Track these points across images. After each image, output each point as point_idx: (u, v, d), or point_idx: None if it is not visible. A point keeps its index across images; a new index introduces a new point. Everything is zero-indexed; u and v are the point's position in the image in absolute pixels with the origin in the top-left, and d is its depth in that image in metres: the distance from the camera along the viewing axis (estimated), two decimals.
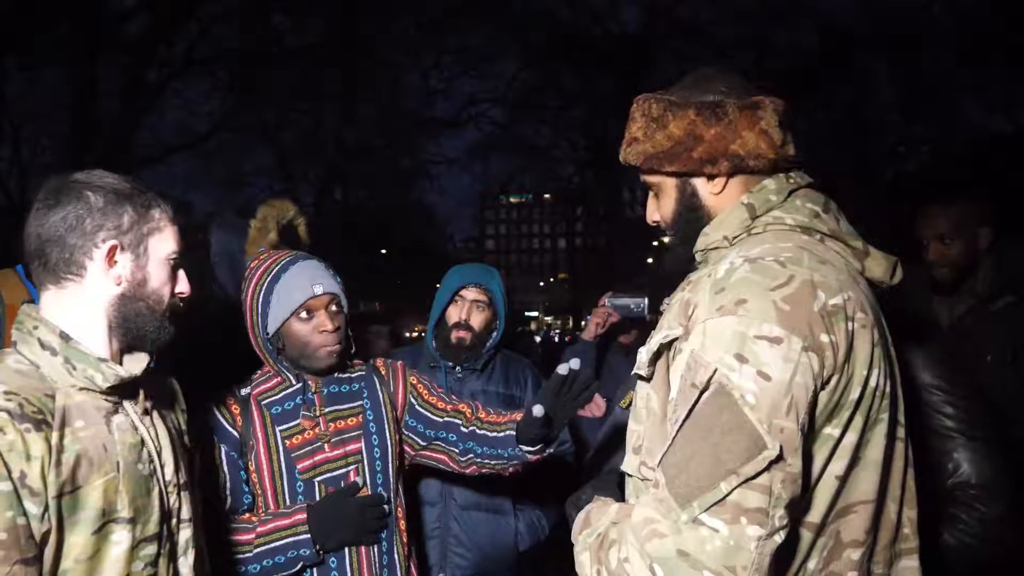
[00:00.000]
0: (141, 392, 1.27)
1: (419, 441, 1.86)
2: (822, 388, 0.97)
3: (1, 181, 13.10)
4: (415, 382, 1.90)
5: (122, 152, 12.73)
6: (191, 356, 1.48)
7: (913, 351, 1.44)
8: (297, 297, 1.69)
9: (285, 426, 1.72)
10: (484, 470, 1.81)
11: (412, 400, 1.87)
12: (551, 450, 1.74)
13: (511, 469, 1.79)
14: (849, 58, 14.94)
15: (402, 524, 1.80)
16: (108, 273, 1.21)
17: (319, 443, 1.72)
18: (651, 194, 1.26)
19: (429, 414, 1.86)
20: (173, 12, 13.06)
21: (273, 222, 2.46)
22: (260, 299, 1.72)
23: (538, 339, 14.64)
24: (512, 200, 66.46)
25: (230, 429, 1.71)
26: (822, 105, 15.24)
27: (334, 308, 1.73)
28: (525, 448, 1.71)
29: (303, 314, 1.70)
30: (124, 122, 13.07)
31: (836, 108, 15.36)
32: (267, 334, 1.73)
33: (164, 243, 1.26)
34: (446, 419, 1.85)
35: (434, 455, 1.86)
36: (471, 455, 1.80)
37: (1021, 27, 12.10)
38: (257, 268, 1.77)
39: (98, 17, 12.13)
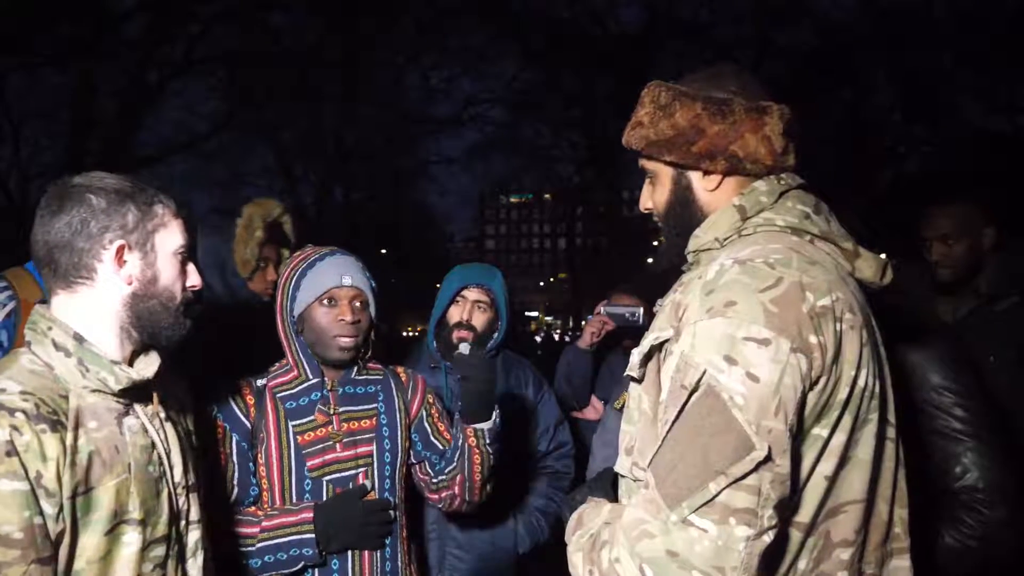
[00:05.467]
0: (153, 395, 1.28)
1: (412, 457, 1.88)
2: (810, 389, 0.97)
3: (1, 181, 13.08)
4: (432, 401, 1.92)
5: (122, 152, 12.72)
6: (194, 355, 1.47)
7: (922, 352, 1.44)
8: (324, 284, 1.74)
9: (298, 421, 1.72)
10: (443, 493, 1.83)
11: (423, 414, 1.89)
12: (489, 425, 1.76)
13: (458, 477, 1.81)
14: (849, 58, 14.94)
15: (404, 531, 1.80)
16: (118, 274, 1.21)
17: (331, 442, 1.72)
18: (647, 180, 1.27)
19: (430, 434, 1.88)
20: (173, 12, 13.04)
21: (259, 220, 2.44)
22: (292, 282, 1.77)
23: (539, 339, 14.60)
24: (512, 200, 66.51)
25: (243, 419, 1.71)
26: (822, 105, 15.23)
27: (358, 304, 1.77)
28: (467, 426, 1.75)
29: (326, 301, 1.74)
30: (124, 122, 13.07)
31: (836, 108, 15.35)
32: (292, 317, 1.77)
33: (171, 238, 1.26)
34: (441, 445, 1.87)
35: (419, 475, 1.88)
36: (441, 477, 1.83)
37: (1021, 27, 12.10)
38: (298, 256, 1.83)
39: (98, 17, 12.11)
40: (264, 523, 1.63)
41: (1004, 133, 14.17)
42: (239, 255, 2.44)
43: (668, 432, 0.97)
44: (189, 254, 1.30)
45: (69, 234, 1.18)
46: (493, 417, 1.76)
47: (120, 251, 1.20)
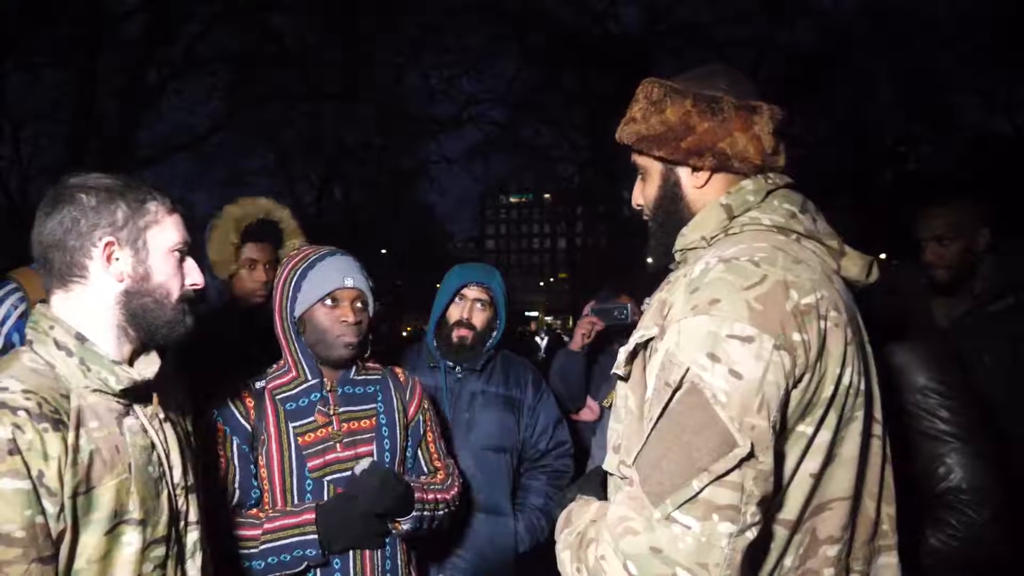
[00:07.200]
0: (153, 396, 1.28)
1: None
2: (794, 386, 0.97)
3: (1, 181, 13.09)
4: (427, 407, 1.93)
5: (122, 152, 12.71)
6: (197, 356, 1.48)
7: (910, 353, 1.45)
8: (326, 285, 1.75)
9: (299, 423, 1.73)
10: None
11: (420, 420, 1.90)
12: (407, 527, 1.73)
13: None
14: (849, 58, 14.94)
15: None
16: (108, 271, 1.21)
17: (331, 442, 1.73)
18: (639, 176, 1.28)
19: (421, 459, 1.90)
20: (173, 12, 13.04)
21: (232, 221, 2.41)
22: (292, 283, 1.77)
23: (543, 342, 14.45)
24: (512, 200, 66.57)
25: (243, 422, 1.71)
26: (822, 105, 15.22)
27: (359, 304, 1.78)
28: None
29: (328, 302, 1.75)
30: (124, 122, 13.05)
31: (837, 108, 15.35)
32: (293, 317, 1.77)
33: (164, 235, 1.25)
34: (426, 469, 1.89)
35: None
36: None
37: (1021, 27, 12.11)
38: (295, 256, 1.83)
39: (98, 17, 12.10)
40: (266, 525, 1.63)
41: (1004, 133, 14.18)
42: (211, 256, 2.40)
43: (652, 430, 0.97)
44: (188, 251, 1.29)
45: (61, 233, 1.18)
46: (411, 514, 1.72)
47: (108, 248, 1.20)
